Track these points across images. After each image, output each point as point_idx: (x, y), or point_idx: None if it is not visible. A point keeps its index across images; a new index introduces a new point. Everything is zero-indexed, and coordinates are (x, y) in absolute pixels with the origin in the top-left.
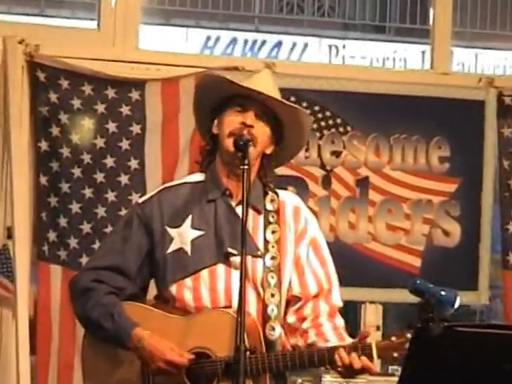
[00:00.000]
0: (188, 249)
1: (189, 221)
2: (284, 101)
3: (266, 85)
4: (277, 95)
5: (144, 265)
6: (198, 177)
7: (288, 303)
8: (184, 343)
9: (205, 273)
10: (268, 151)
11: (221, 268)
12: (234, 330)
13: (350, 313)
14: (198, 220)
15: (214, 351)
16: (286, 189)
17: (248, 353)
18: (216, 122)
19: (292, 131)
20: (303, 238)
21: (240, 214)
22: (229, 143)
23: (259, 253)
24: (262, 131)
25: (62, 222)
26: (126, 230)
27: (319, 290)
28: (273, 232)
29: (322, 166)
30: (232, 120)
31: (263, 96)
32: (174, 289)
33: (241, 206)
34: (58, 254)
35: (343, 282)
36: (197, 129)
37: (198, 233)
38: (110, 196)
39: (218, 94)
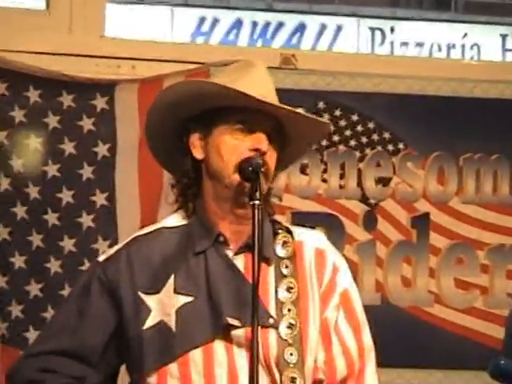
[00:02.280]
0: (172, 322)
1: (171, 283)
2: (312, 116)
3: (269, 88)
4: (276, 100)
5: (110, 346)
6: (180, 219)
7: None
8: None
9: (196, 354)
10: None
11: (219, 346)
12: None
13: None
14: (183, 281)
15: None
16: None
17: None
18: (196, 141)
19: (302, 143)
20: (332, 294)
21: (240, 268)
22: (234, 177)
23: (271, 321)
24: (272, 155)
25: (0, 281)
26: (83, 300)
27: (349, 372)
28: (288, 289)
29: (364, 199)
30: (236, 145)
31: (283, 111)
32: (153, 379)
33: (240, 256)
34: None
35: (395, 361)
36: (156, 156)
37: (184, 299)
38: (67, 244)
39: (198, 105)
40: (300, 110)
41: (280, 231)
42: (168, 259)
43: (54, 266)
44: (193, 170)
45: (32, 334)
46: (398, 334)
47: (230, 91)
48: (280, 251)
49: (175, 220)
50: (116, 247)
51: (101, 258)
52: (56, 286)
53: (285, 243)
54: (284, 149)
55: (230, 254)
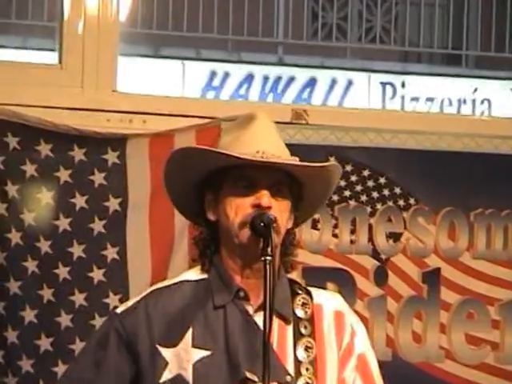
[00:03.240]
0: (189, 376)
1: (189, 336)
2: (312, 164)
3: (271, 139)
4: (286, 151)
5: None
6: (199, 274)
7: None
8: None
9: None
10: (289, 225)
11: None
12: None
13: None
14: (201, 335)
15: None
16: (324, 287)
17: None
18: (209, 203)
19: (316, 187)
20: (349, 357)
21: (260, 325)
22: (243, 235)
23: (289, 378)
24: (281, 209)
25: (11, 335)
26: (100, 352)
27: None
28: (307, 349)
29: (375, 255)
30: (239, 203)
31: (280, 165)
32: None
33: (260, 314)
34: (5, 382)
35: None
36: (181, 214)
37: (202, 353)
38: (78, 299)
39: (204, 168)
40: (296, 160)
41: (299, 292)
42: (186, 312)
43: (64, 320)
44: (210, 229)
45: None
46: None
47: (220, 156)
48: (299, 312)
49: (195, 274)
50: (134, 299)
51: (119, 310)
52: (66, 341)
53: (304, 304)
54: (301, 200)
55: (250, 310)
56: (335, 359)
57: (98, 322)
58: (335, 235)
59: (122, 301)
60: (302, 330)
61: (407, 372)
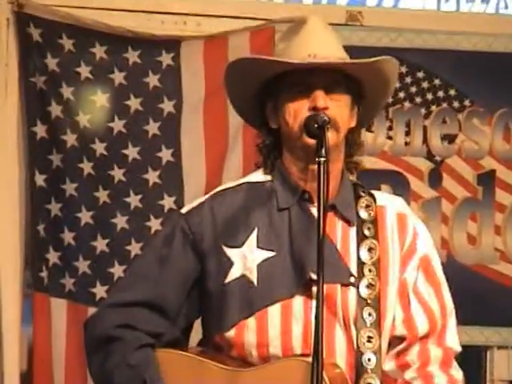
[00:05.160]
0: (254, 277)
1: (253, 237)
2: (359, 61)
3: (323, 41)
4: (341, 52)
5: (190, 298)
6: (263, 176)
7: (388, 346)
8: None
9: (275, 309)
10: (352, 124)
11: (298, 302)
12: None
13: (471, 362)
14: (266, 236)
15: None
16: (378, 189)
17: None
18: (270, 111)
19: (374, 84)
20: (411, 257)
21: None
22: (303, 139)
23: (352, 279)
24: (339, 107)
25: (67, 237)
26: (165, 249)
27: (431, 327)
28: (370, 250)
29: (430, 157)
30: (297, 108)
31: (331, 65)
32: (232, 333)
33: (326, 214)
34: (62, 283)
35: (460, 319)
36: (249, 124)
37: (266, 254)
38: (133, 200)
39: (260, 76)
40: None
41: (363, 194)
42: (251, 214)
43: (120, 221)
44: (272, 137)
45: (99, 290)
46: (464, 292)
47: (272, 63)
48: (363, 214)
49: (258, 176)
50: (199, 200)
51: (184, 210)
52: (122, 242)
53: (367, 206)
54: (362, 99)
55: (314, 212)
56: (398, 260)
57: (153, 223)
58: (389, 137)
59: (176, 202)
60: (366, 232)
61: (462, 274)
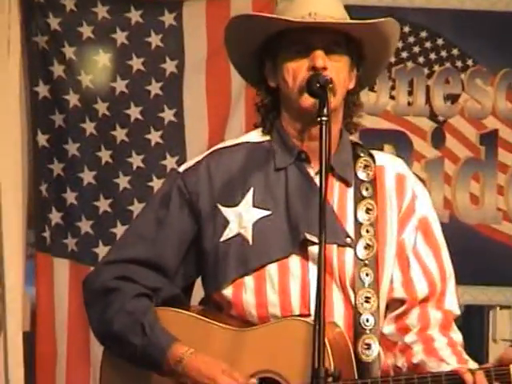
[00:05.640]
0: (249, 235)
1: (250, 197)
2: (360, 22)
3: (325, 1)
4: (341, 12)
5: (187, 257)
6: (260, 136)
7: (386, 308)
8: (243, 365)
9: (272, 268)
10: (351, 86)
11: (294, 261)
12: (312, 347)
13: (474, 321)
14: (262, 195)
15: (286, 376)
16: (381, 149)
17: (331, 379)
18: (269, 70)
19: (375, 45)
20: (410, 218)
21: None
22: (302, 98)
23: (349, 240)
24: (338, 69)
25: (70, 197)
26: (163, 210)
27: (430, 291)
28: (367, 211)
29: (433, 116)
30: (296, 67)
31: (331, 25)
32: (229, 291)
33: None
34: (65, 243)
35: (463, 279)
36: (247, 82)
37: (262, 213)
38: (136, 160)
39: (260, 34)
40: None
41: (362, 154)
42: (248, 173)
43: (122, 181)
44: (271, 96)
45: (101, 250)
46: (466, 251)
47: (271, 20)
48: (361, 174)
49: (256, 136)
50: (196, 158)
51: (181, 169)
52: (125, 202)
53: (366, 167)
54: (362, 60)
55: (311, 172)
56: (396, 221)
57: (156, 183)
58: (392, 97)
59: (179, 163)
60: (364, 192)
61: (464, 233)
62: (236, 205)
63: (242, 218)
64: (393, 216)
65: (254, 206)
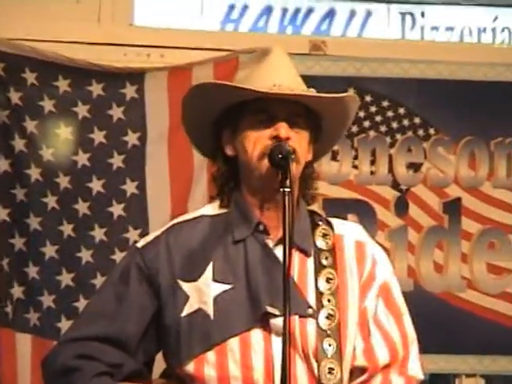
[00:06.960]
0: (210, 310)
1: (209, 271)
2: (329, 95)
3: (287, 73)
4: (302, 84)
5: (148, 334)
6: (218, 208)
7: (350, 375)
8: None
9: (234, 343)
10: (309, 158)
11: (257, 335)
12: None
13: None
14: (222, 269)
15: None
16: (344, 218)
17: None
18: (227, 139)
19: (334, 118)
20: (371, 285)
21: (281, 258)
22: (262, 167)
23: (310, 311)
24: (300, 139)
25: (32, 271)
26: (122, 286)
27: (392, 358)
28: (328, 280)
29: (395, 185)
30: (258, 136)
31: (296, 96)
32: (191, 366)
33: (281, 247)
34: (27, 318)
35: (428, 347)
36: (198, 152)
37: (222, 287)
38: (98, 234)
39: (222, 103)
40: (312, 91)
41: (320, 223)
42: (207, 247)
43: (85, 255)
44: (228, 165)
45: (64, 324)
46: (431, 320)
47: (237, 90)
48: (320, 243)
49: (214, 209)
50: (155, 233)
51: (139, 244)
52: (87, 276)
53: (325, 235)
54: (319, 132)
55: (270, 243)
56: (357, 289)
57: (119, 256)
58: (355, 166)
59: (141, 235)
60: (323, 261)
61: (429, 302)
62: (195, 279)
63: (203, 292)
64: (354, 284)
65: (214, 279)
